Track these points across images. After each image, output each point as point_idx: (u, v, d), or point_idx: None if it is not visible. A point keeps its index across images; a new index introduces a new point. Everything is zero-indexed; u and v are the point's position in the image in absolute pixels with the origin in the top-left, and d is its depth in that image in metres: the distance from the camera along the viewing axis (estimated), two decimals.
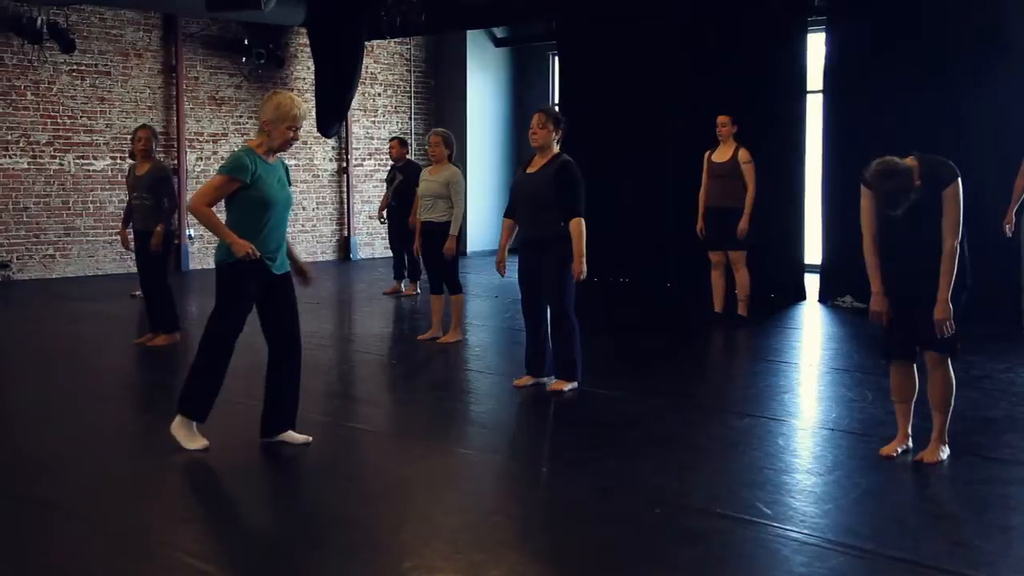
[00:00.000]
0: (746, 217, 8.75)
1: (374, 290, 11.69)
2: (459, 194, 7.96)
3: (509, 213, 6.67)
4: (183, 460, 5.22)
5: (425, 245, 8.17)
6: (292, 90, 14.50)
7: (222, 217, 5.15)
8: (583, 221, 6.22)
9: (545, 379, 6.57)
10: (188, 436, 5.17)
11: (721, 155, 8.95)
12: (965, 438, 5.24)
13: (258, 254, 5.03)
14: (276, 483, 4.96)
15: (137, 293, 8.95)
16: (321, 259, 14.93)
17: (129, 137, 12.69)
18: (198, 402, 5.25)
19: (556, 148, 6.35)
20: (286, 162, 5.46)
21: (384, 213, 11.36)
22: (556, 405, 6.25)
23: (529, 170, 6.41)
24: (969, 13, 9.16)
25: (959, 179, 4.69)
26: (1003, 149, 7.88)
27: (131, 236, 8.22)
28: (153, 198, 7.97)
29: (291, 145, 5.23)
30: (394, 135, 12.73)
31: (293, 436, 5.34)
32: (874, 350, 7.97)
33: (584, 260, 6.20)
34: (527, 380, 6.61)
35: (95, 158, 12.72)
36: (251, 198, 5.08)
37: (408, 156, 11.27)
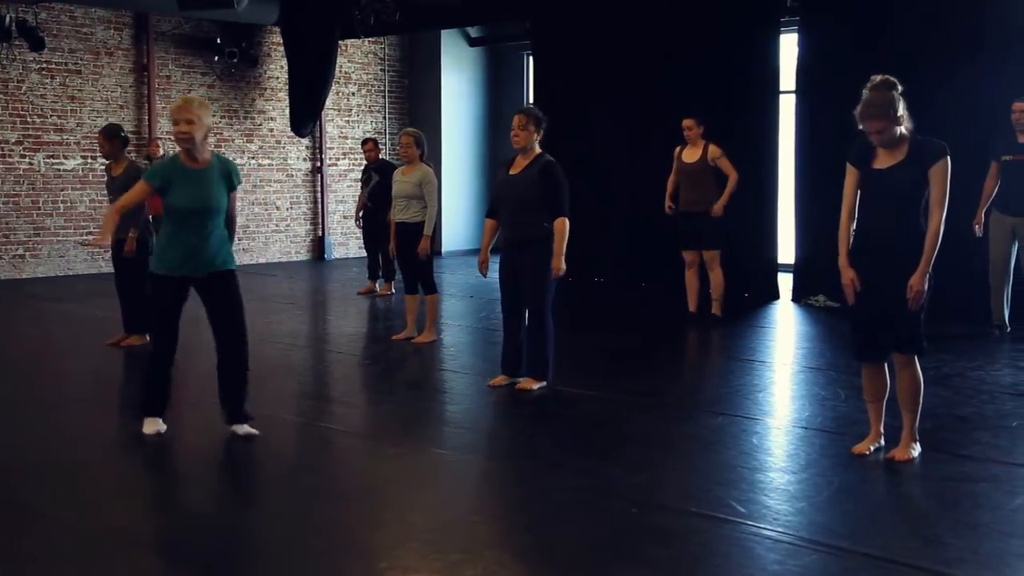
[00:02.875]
0: (725, 197, 8.78)
1: (348, 290, 11.67)
2: (432, 194, 7.98)
3: (491, 214, 6.68)
4: (156, 461, 5.20)
5: (400, 245, 8.18)
6: (266, 89, 14.45)
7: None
8: (567, 221, 6.26)
9: (520, 379, 6.59)
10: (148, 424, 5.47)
11: (690, 155, 8.99)
12: (936, 436, 5.30)
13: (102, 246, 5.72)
14: (250, 484, 4.94)
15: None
16: (295, 259, 14.87)
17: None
18: (146, 399, 5.55)
19: (538, 148, 6.36)
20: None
21: (360, 215, 11.29)
22: (531, 405, 6.26)
23: (512, 171, 6.41)
24: (941, 13, 9.24)
25: (948, 157, 4.71)
26: (973, 150, 7.95)
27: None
28: None
29: (184, 142, 5.30)
30: (367, 136, 12.64)
31: (238, 428, 5.44)
32: (846, 349, 8.05)
33: (563, 258, 6.23)
34: (502, 380, 6.62)
35: (65, 157, 12.61)
36: (166, 205, 5.35)
37: (381, 156, 11.22)
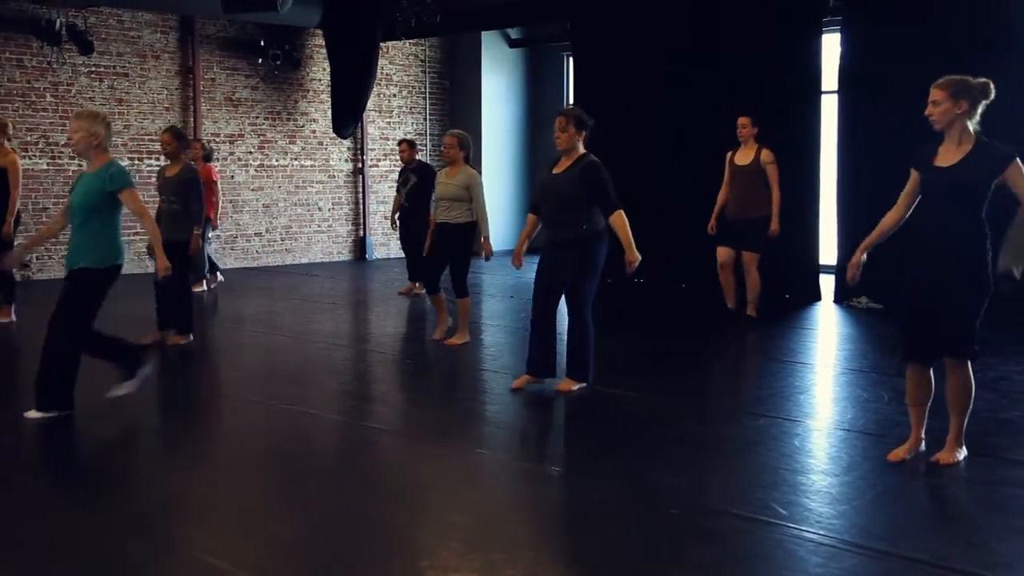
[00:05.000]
0: (775, 218, 8.80)
1: (389, 290, 11.72)
2: (480, 196, 7.90)
3: (534, 209, 6.67)
4: (201, 460, 5.26)
5: (439, 245, 8.09)
6: (308, 91, 14.56)
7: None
8: (623, 212, 6.21)
9: (546, 380, 6.53)
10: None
11: (743, 157, 8.94)
12: (982, 440, 5.23)
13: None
14: (292, 482, 4.98)
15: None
16: (337, 259, 14.98)
17: (148, 138, 12.92)
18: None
19: (581, 149, 6.33)
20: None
21: (396, 217, 11.30)
22: (571, 406, 6.26)
23: (555, 171, 6.39)
24: (982, 12, 9.11)
25: (1016, 157, 4.66)
26: (1018, 147, 7.81)
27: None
28: (180, 202, 7.98)
29: (75, 151, 6.08)
30: (403, 137, 12.50)
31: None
32: (890, 351, 7.96)
33: (634, 249, 6.18)
34: (526, 380, 6.55)
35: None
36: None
37: (419, 158, 11.21)
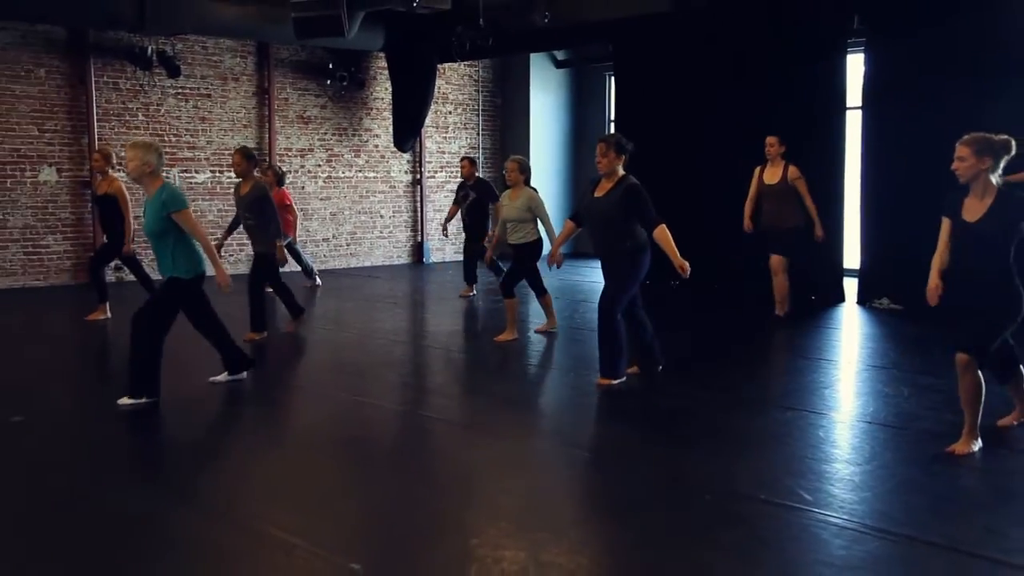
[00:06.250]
0: (818, 224, 8.85)
1: (444, 291, 11.76)
2: (544, 214, 8.18)
3: (573, 218, 6.69)
4: (276, 445, 5.32)
5: (515, 260, 8.37)
6: (372, 109, 14.67)
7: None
8: (664, 226, 6.19)
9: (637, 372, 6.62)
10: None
11: (772, 175, 8.90)
12: (997, 432, 5.13)
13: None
14: (357, 466, 5.02)
15: None
16: (397, 262, 15.06)
17: (229, 153, 13.10)
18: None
19: (620, 172, 6.32)
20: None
21: (447, 226, 11.38)
22: (612, 398, 6.23)
23: (597, 193, 6.37)
24: (1000, 33, 8.92)
25: None
26: None
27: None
28: (255, 217, 8.08)
29: (131, 178, 6.07)
30: (464, 155, 12.49)
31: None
32: (909, 350, 7.83)
33: (679, 256, 6.12)
34: (634, 369, 6.64)
35: (197, 172, 13.00)
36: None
37: (477, 174, 11.25)
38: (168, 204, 5.85)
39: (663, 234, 6.16)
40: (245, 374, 6.57)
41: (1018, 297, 4.74)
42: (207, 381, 6.44)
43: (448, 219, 11.44)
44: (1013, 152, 4.72)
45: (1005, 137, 4.72)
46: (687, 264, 6.14)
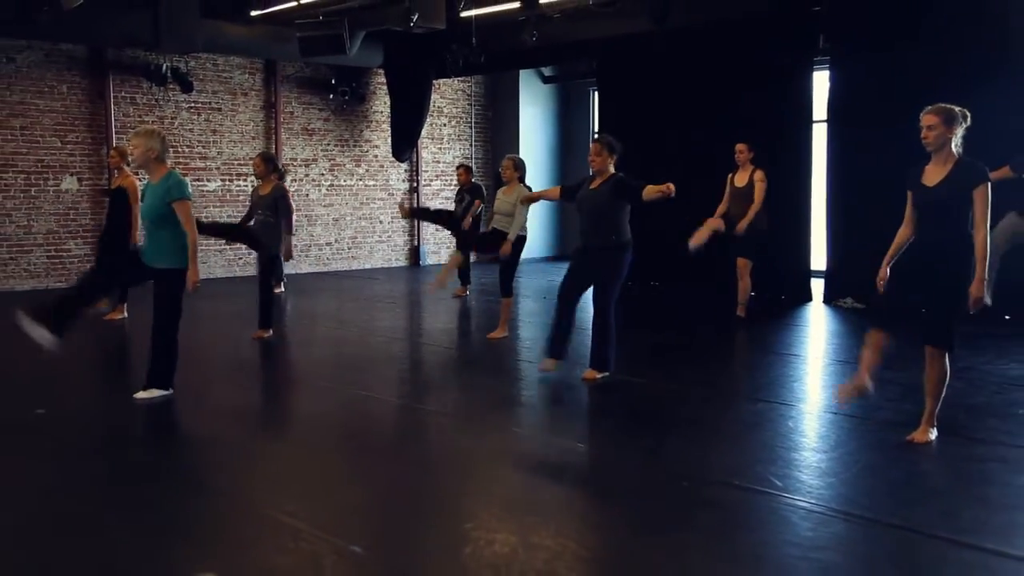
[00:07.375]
0: (747, 219, 8.75)
1: (440, 292, 11.72)
2: (522, 208, 7.97)
3: (563, 192, 6.80)
4: (281, 435, 5.31)
5: (491, 249, 8.23)
6: (372, 122, 14.65)
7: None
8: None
9: (562, 365, 6.53)
10: None
11: (741, 179, 8.97)
12: (951, 422, 5.15)
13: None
14: (358, 455, 5.02)
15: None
16: (395, 265, 15.05)
17: (238, 163, 13.07)
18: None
19: (611, 170, 6.40)
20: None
21: (469, 221, 11.23)
22: (595, 392, 6.24)
23: (591, 187, 6.45)
24: (959, 54, 8.96)
25: (988, 182, 4.61)
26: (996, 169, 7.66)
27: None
28: (273, 215, 8.05)
29: (137, 165, 5.94)
30: (460, 163, 12.40)
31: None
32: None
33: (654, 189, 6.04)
34: (552, 364, 6.54)
35: (208, 180, 12.96)
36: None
37: (472, 179, 11.21)
38: (173, 191, 5.68)
39: (649, 189, 6.12)
40: (171, 390, 5.85)
41: (968, 278, 4.61)
42: (133, 398, 5.80)
43: (461, 219, 11.31)
44: (969, 122, 4.69)
45: (962, 108, 4.72)
46: (671, 184, 6.05)
